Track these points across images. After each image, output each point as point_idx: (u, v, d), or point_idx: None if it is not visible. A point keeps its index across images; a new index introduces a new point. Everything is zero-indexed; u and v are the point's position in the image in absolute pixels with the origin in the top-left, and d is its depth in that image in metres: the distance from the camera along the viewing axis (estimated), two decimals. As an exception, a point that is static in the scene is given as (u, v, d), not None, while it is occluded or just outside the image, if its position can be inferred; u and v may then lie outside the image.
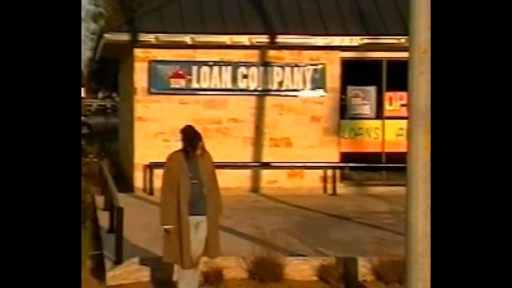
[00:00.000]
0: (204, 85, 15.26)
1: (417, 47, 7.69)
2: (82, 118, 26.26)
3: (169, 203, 7.89)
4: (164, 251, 8.05)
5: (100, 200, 13.54)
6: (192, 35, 14.89)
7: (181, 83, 15.16)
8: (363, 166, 15.75)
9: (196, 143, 7.98)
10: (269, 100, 15.38)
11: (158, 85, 15.14)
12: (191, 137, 8.02)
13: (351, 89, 15.85)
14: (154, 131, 15.13)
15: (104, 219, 11.64)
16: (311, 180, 15.30)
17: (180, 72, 15.14)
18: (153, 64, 15.10)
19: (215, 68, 15.26)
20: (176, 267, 8.08)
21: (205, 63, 15.21)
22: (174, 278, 8.49)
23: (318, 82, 15.42)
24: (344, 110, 15.86)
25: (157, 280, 9.04)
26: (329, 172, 15.30)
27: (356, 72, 15.33)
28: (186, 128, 8.12)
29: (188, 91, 15.20)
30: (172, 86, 15.18)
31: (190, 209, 7.88)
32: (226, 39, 14.99)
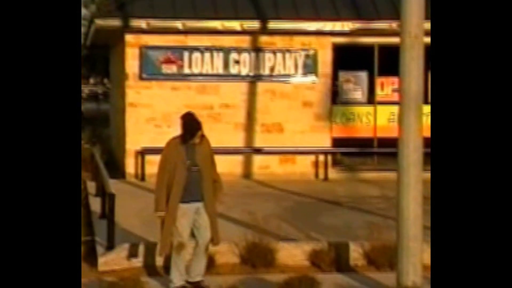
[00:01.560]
0: (196, 70, 15.24)
1: (408, 32, 7.69)
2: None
3: (162, 190, 7.90)
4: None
5: (91, 186, 13.53)
6: (183, 21, 14.84)
7: (173, 68, 15.13)
8: (354, 151, 15.76)
9: (194, 132, 7.97)
10: (260, 86, 15.37)
11: (150, 71, 15.11)
12: (190, 125, 8.00)
13: (343, 74, 15.85)
14: (145, 117, 15.10)
15: (95, 205, 11.64)
16: (303, 166, 15.32)
17: (172, 57, 15.10)
18: (144, 49, 15.06)
19: (207, 54, 15.22)
20: (173, 253, 8.10)
21: (196, 48, 15.18)
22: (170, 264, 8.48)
23: (310, 67, 15.41)
24: (335, 96, 15.86)
25: (149, 265, 9.05)
26: (321, 157, 15.32)
27: (347, 57, 15.32)
28: (186, 115, 8.10)
29: (180, 76, 15.17)
30: (163, 71, 15.14)
31: (188, 196, 7.91)
32: (217, 24, 14.95)
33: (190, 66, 15.22)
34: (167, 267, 8.54)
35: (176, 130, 15.90)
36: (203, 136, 8.07)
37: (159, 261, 8.93)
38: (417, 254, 7.77)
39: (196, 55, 15.20)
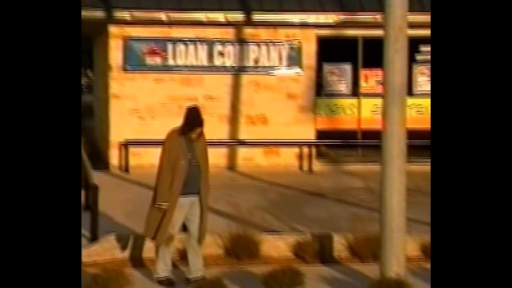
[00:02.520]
0: (180, 62, 15.19)
1: (392, 24, 7.70)
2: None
3: (166, 181, 7.93)
4: (148, 226, 8.10)
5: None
6: (167, 12, 14.79)
7: (156, 60, 15.08)
8: (339, 143, 15.79)
9: (194, 127, 8.00)
10: (245, 78, 15.35)
11: (133, 63, 15.05)
12: (192, 118, 8.03)
13: (327, 67, 15.86)
14: (129, 108, 15.05)
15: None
16: (287, 158, 15.33)
17: (155, 49, 15.05)
18: (128, 41, 15.00)
19: (191, 46, 15.18)
20: (161, 246, 8.11)
21: (180, 40, 15.13)
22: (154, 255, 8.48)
23: (294, 59, 15.41)
24: (320, 88, 15.86)
25: (132, 257, 9.03)
26: (305, 149, 15.33)
27: (332, 50, 15.32)
28: (193, 108, 8.15)
29: (164, 68, 15.12)
30: (147, 63, 15.09)
31: (187, 189, 7.97)
32: (201, 16, 14.91)
33: (174, 57, 15.18)
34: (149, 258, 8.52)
35: (160, 121, 15.91)
36: (201, 133, 8.10)
37: (146, 252, 8.90)
38: (400, 245, 7.80)
39: (180, 47, 15.16)
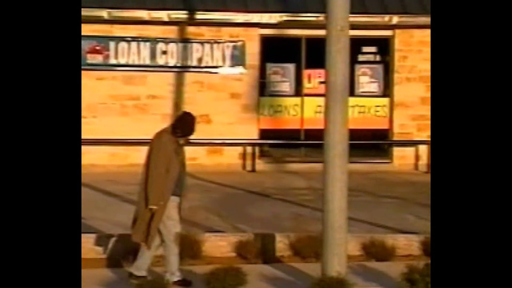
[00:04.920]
0: (122, 61, 15.06)
1: (335, 25, 7.75)
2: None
3: (159, 182, 7.93)
4: (136, 230, 8.07)
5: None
6: (109, 10, 14.65)
7: (98, 58, 14.92)
8: (282, 143, 15.84)
9: (187, 133, 8.15)
10: (188, 77, 15.29)
11: (75, 61, 14.85)
12: (187, 124, 8.17)
13: (270, 66, 15.89)
14: (70, 107, 14.86)
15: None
16: (230, 157, 15.31)
17: (97, 47, 14.89)
18: (69, 39, 14.80)
19: (133, 44, 15.06)
20: (170, 244, 8.11)
21: (123, 38, 15.00)
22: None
23: (238, 59, 15.40)
24: (263, 87, 15.89)
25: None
26: (248, 149, 15.34)
27: (275, 49, 15.37)
28: (190, 115, 8.27)
29: (106, 66, 14.97)
30: (89, 61, 14.91)
31: (177, 190, 8.08)
32: (144, 14, 14.80)
33: (116, 56, 15.04)
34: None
35: (101, 120, 15.72)
36: (188, 141, 8.25)
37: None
38: (341, 244, 7.86)
39: (123, 45, 15.03)
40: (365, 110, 15.76)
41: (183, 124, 8.14)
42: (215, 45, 15.33)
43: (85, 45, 14.83)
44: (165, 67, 15.22)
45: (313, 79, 15.90)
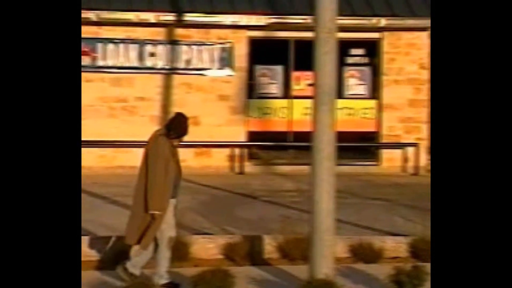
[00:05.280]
0: (110, 62, 15.04)
1: (322, 27, 7.76)
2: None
3: (162, 187, 7.89)
4: (130, 233, 8.05)
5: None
6: (96, 12, 14.62)
7: (86, 60, 14.88)
8: (270, 145, 15.85)
9: (180, 134, 8.07)
10: (176, 79, 15.28)
11: (63, 62, 14.83)
12: (181, 126, 8.08)
13: (259, 69, 15.90)
14: (58, 109, 14.83)
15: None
16: (219, 159, 15.31)
17: (85, 49, 14.85)
18: (57, 40, 14.77)
19: (121, 46, 15.04)
20: (163, 247, 8.11)
21: (110, 40, 14.98)
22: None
23: (226, 61, 15.40)
24: (251, 90, 15.90)
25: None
26: (237, 151, 15.34)
27: (263, 52, 15.38)
28: (183, 116, 8.17)
29: (93, 68, 14.94)
30: (77, 63, 14.87)
31: (174, 192, 8.09)
32: (131, 16, 14.79)
33: (104, 58, 15.01)
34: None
35: (89, 122, 15.68)
36: (181, 142, 8.20)
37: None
38: (329, 246, 7.86)
39: (110, 46, 15.01)
40: (353, 112, 15.79)
41: (176, 125, 8.10)
42: (203, 47, 15.32)
43: (73, 46, 14.81)
44: (153, 69, 15.20)
45: (302, 81, 15.92)
